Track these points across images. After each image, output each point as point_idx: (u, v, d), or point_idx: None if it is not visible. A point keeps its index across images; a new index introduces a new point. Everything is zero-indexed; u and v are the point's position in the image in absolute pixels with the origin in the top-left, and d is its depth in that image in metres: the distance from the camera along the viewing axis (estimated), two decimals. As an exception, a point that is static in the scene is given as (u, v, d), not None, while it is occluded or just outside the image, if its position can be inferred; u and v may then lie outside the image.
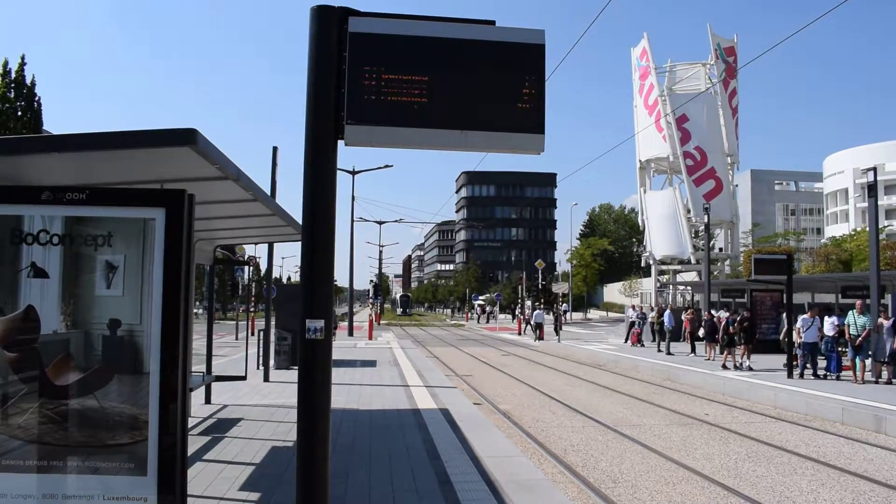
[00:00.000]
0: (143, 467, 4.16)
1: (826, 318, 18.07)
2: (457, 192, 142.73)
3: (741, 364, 19.69)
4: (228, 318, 58.92)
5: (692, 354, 24.26)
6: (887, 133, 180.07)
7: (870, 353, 16.65)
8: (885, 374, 16.18)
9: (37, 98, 29.56)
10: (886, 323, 15.88)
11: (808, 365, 17.43)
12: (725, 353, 20.33)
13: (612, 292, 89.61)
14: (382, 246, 74.04)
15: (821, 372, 17.39)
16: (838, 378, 16.96)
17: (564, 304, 44.93)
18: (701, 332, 24.35)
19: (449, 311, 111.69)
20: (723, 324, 21.33)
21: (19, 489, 4.13)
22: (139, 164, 5.02)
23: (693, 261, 51.84)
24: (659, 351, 26.13)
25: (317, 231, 3.65)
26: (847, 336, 17.14)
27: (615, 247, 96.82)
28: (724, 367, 19.76)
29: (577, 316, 77.45)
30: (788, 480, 8.60)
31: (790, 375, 17.24)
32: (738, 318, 20.61)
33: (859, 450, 10.50)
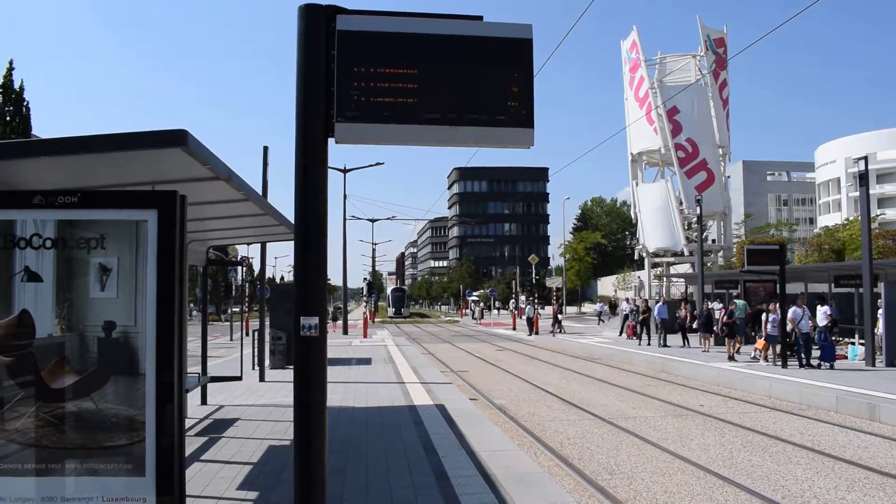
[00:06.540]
0: (141, 468, 4.18)
1: (818, 307, 18.18)
2: (449, 188, 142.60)
3: (733, 356, 19.87)
4: (223, 318, 58.91)
5: (685, 346, 24.33)
6: (878, 122, 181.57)
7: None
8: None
9: (25, 102, 29.52)
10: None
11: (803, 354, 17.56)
12: (728, 343, 20.40)
13: (606, 285, 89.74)
14: (375, 244, 74.37)
15: (814, 361, 17.49)
16: (832, 367, 17.06)
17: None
18: (695, 324, 24.47)
19: (447, 307, 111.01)
20: (721, 315, 21.50)
21: (18, 493, 4.14)
22: (130, 166, 5.00)
23: (686, 252, 51.91)
24: (649, 344, 26.17)
25: (309, 229, 3.66)
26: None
27: (608, 240, 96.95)
28: (731, 357, 19.80)
29: (572, 310, 77.68)
30: (783, 469, 8.66)
31: (784, 365, 17.33)
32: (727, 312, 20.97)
33: (853, 438, 10.58)
